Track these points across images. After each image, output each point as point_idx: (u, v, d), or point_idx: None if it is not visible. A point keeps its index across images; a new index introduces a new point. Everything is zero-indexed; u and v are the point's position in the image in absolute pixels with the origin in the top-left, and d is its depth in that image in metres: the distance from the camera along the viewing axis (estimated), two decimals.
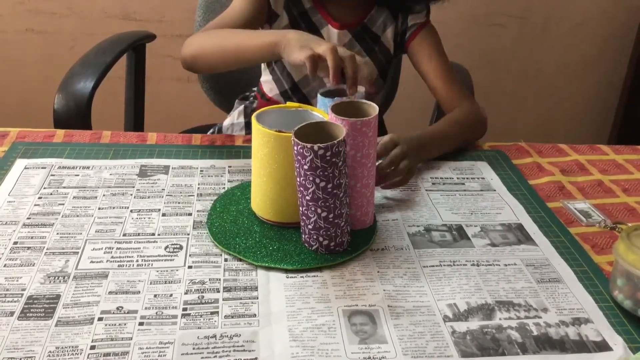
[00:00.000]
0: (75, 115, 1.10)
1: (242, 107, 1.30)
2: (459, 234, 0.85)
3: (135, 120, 1.40)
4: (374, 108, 0.81)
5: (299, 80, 1.19)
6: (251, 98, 1.32)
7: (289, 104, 0.87)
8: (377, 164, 0.88)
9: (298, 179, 0.76)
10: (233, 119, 1.30)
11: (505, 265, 0.80)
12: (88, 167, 0.95)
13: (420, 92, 1.35)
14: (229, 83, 1.47)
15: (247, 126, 1.27)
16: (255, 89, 1.32)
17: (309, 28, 1.15)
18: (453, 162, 1.04)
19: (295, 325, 0.68)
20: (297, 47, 0.90)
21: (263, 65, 1.26)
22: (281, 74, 1.20)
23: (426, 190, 0.96)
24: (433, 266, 0.79)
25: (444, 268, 0.78)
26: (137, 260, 0.76)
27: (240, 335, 0.66)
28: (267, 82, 1.24)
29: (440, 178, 0.99)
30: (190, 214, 0.85)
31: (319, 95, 0.90)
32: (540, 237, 0.86)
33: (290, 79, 1.19)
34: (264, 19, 1.16)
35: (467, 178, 1.00)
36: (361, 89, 0.92)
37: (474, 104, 1.14)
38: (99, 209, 0.85)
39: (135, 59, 1.38)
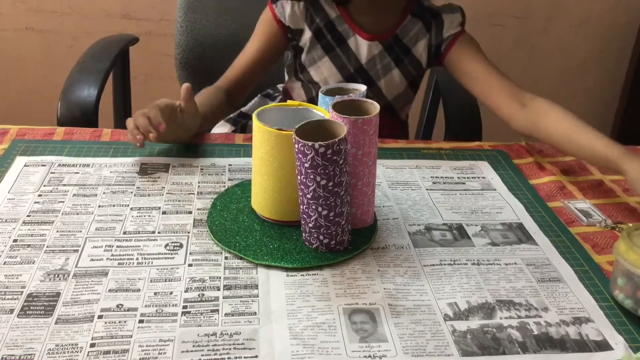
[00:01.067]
0: (82, 123, 1.10)
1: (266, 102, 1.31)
2: (459, 233, 0.85)
3: (125, 118, 1.42)
4: (375, 106, 0.81)
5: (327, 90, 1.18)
6: (276, 98, 1.32)
7: (289, 102, 0.87)
8: None
9: (299, 177, 0.76)
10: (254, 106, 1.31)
11: (506, 264, 0.80)
12: (88, 165, 0.94)
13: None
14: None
15: None
16: (279, 88, 1.31)
17: (334, 38, 1.14)
18: (454, 162, 1.04)
19: (296, 323, 0.68)
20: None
21: (288, 73, 1.26)
22: (309, 83, 1.20)
23: (427, 189, 0.95)
24: (433, 265, 0.78)
25: (444, 267, 0.78)
26: (137, 258, 0.76)
27: (240, 333, 0.66)
28: (294, 89, 1.24)
29: (441, 177, 0.99)
30: (190, 212, 0.85)
31: (320, 94, 0.90)
32: (540, 237, 0.86)
33: (317, 88, 1.18)
34: (281, 49, 1.18)
35: (467, 177, 1.00)
36: (362, 87, 0.92)
37: (543, 99, 1.07)
38: (99, 206, 0.85)
39: (122, 61, 1.40)
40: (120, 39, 1.40)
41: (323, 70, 1.16)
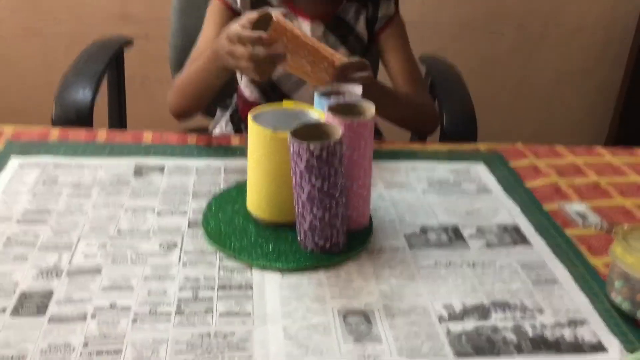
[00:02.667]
0: (77, 125, 1.10)
1: (227, 115, 1.30)
2: (455, 235, 0.85)
3: (120, 120, 1.42)
4: (370, 108, 0.80)
5: (277, 79, 1.18)
6: (234, 105, 1.31)
7: (285, 103, 0.87)
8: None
9: (294, 179, 0.75)
10: (222, 128, 1.29)
11: (501, 266, 0.79)
12: (83, 166, 0.94)
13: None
14: None
15: (238, 132, 1.27)
16: (234, 95, 1.31)
17: None
18: (450, 164, 1.04)
19: (290, 324, 0.67)
20: (222, 53, 0.93)
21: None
22: None
23: (423, 191, 0.95)
24: (429, 267, 0.78)
25: (439, 269, 0.78)
26: (131, 256, 0.76)
27: (234, 334, 0.66)
28: (246, 87, 1.24)
29: (437, 179, 0.99)
30: (185, 213, 0.85)
31: (316, 95, 0.90)
32: (536, 239, 0.85)
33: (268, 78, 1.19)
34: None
35: (463, 179, 0.99)
36: (358, 89, 0.91)
37: (429, 100, 1.21)
38: (93, 207, 0.85)
39: (117, 63, 1.40)
40: (115, 41, 1.40)
41: None
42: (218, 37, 0.95)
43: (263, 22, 0.89)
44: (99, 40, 1.39)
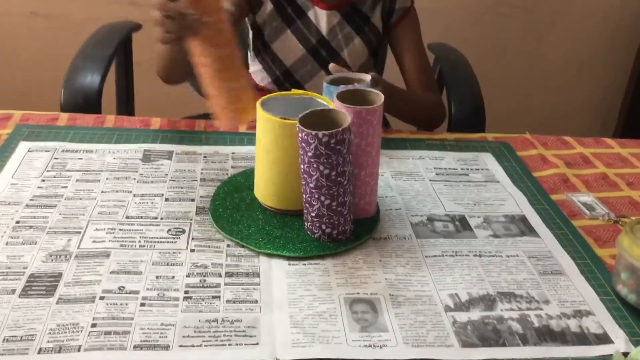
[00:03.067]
0: (86, 110, 1.10)
1: None
2: (461, 225, 0.85)
3: (127, 105, 1.42)
4: (379, 96, 0.80)
5: (291, 66, 1.18)
6: None
7: (294, 91, 0.86)
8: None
9: (302, 166, 0.76)
10: None
11: (508, 256, 0.79)
12: (91, 151, 0.94)
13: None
14: None
15: None
16: None
17: (294, 11, 1.15)
18: (457, 153, 1.04)
19: (297, 312, 0.68)
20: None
21: (251, 55, 1.25)
22: (272, 62, 1.19)
23: (430, 180, 0.95)
24: (435, 256, 0.78)
25: (446, 258, 0.78)
26: (139, 241, 0.76)
27: (241, 320, 0.66)
28: (258, 72, 1.24)
29: (444, 169, 0.99)
30: (193, 200, 0.85)
31: (324, 83, 0.90)
32: (543, 229, 0.85)
33: (282, 65, 1.19)
34: (244, 11, 1.15)
35: (471, 169, 0.99)
36: (367, 77, 0.91)
37: (438, 96, 1.22)
38: (102, 192, 0.85)
39: (124, 48, 1.39)
40: (123, 26, 1.39)
41: (286, 45, 1.17)
42: None
43: None
44: (107, 25, 1.38)
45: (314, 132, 0.72)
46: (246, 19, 1.19)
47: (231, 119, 0.79)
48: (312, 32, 1.16)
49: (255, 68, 1.24)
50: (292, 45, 1.16)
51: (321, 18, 1.15)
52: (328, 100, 0.84)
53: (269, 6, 1.15)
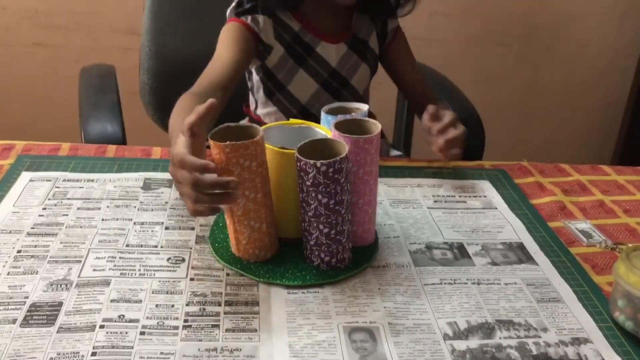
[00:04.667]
0: None
1: None
2: (460, 252, 0.86)
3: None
4: (376, 125, 0.81)
5: (307, 102, 1.19)
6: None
7: (292, 120, 0.88)
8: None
9: (301, 195, 0.76)
10: None
11: (506, 284, 0.80)
12: (92, 180, 0.95)
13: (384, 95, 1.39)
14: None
15: None
16: (246, 119, 1.29)
17: (304, 50, 1.16)
18: (455, 181, 1.04)
19: (296, 341, 0.68)
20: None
21: (263, 98, 1.22)
22: (289, 102, 1.20)
23: (428, 207, 0.96)
24: (434, 284, 0.79)
25: (444, 286, 0.79)
26: (139, 270, 0.77)
27: (240, 349, 0.66)
28: (272, 114, 1.22)
29: (442, 196, 1.00)
30: (193, 228, 0.86)
31: (322, 113, 0.91)
32: (541, 257, 0.86)
33: (298, 103, 1.20)
34: (252, 56, 1.15)
35: (469, 196, 1.00)
36: (364, 106, 0.93)
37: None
38: (103, 220, 0.86)
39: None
40: (107, 69, 1.38)
41: (301, 83, 1.18)
42: (174, 146, 0.76)
43: (224, 132, 0.76)
44: (86, 70, 1.36)
45: (312, 162, 0.73)
46: (250, 68, 1.20)
47: (250, 256, 0.79)
48: (322, 66, 1.18)
49: (268, 110, 1.23)
50: (306, 83, 1.18)
51: (329, 51, 1.18)
52: (326, 129, 0.85)
53: (279, 50, 1.15)
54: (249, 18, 1.13)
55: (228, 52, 1.10)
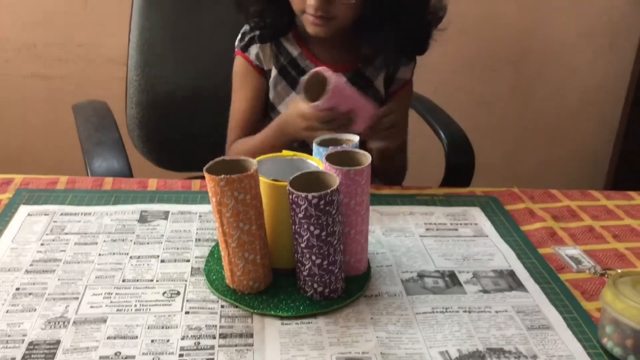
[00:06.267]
0: None
1: None
2: (451, 281, 0.87)
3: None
4: (366, 157, 0.83)
5: None
6: None
7: (284, 152, 0.89)
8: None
9: (293, 227, 0.78)
10: None
11: (497, 312, 0.81)
12: (89, 213, 0.97)
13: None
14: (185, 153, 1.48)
15: None
16: None
17: (299, 74, 1.19)
18: (447, 208, 1.06)
19: None
20: (294, 129, 1.07)
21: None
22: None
23: (420, 236, 0.98)
24: (426, 313, 0.80)
25: (436, 315, 0.80)
26: (135, 305, 0.78)
27: None
28: None
29: (434, 224, 1.01)
30: (188, 260, 0.87)
31: (314, 144, 0.93)
32: (531, 284, 0.87)
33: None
34: (264, 86, 1.21)
35: (460, 224, 1.02)
36: (355, 137, 0.95)
37: (405, 157, 1.29)
38: (99, 255, 0.87)
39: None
40: (100, 106, 1.39)
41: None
42: (284, 115, 1.11)
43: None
44: (79, 106, 1.38)
45: (303, 194, 0.74)
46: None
47: (244, 287, 0.80)
48: None
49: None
50: None
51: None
52: (318, 160, 0.87)
53: (273, 71, 1.20)
54: (251, 53, 1.20)
55: (246, 97, 1.22)
